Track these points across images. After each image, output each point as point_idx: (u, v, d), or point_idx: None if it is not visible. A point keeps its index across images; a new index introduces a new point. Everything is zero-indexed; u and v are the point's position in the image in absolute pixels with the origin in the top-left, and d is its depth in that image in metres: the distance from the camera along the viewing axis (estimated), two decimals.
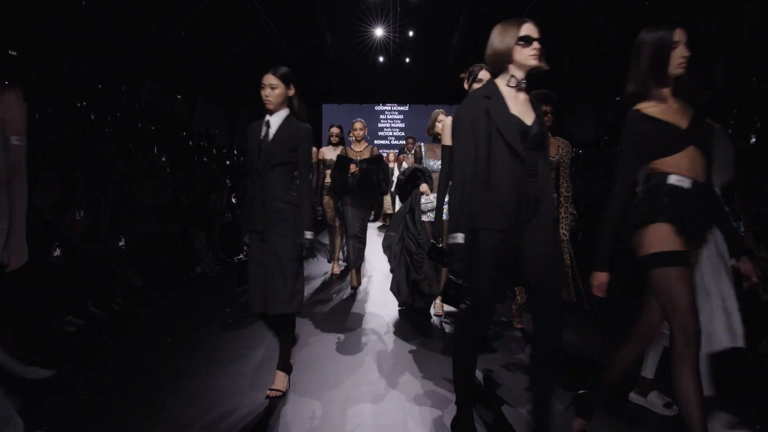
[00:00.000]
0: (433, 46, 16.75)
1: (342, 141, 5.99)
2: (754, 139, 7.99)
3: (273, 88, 2.86)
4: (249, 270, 2.95)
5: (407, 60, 17.84)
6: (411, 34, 16.32)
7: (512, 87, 2.25)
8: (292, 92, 2.92)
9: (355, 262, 5.46)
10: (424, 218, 4.42)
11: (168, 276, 5.77)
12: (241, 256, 6.33)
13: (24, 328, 3.68)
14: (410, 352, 3.75)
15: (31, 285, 3.81)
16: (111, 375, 3.30)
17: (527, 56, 2.20)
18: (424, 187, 4.37)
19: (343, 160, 5.35)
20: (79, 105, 9.67)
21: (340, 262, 6.40)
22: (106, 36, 10.47)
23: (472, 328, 2.38)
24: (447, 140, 3.12)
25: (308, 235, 2.86)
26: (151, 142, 10.20)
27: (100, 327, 4.30)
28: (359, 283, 5.58)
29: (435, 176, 4.31)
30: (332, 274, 6.20)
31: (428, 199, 4.38)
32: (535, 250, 2.21)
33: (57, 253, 4.25)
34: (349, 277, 5.75)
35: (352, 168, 5.21)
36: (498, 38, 2.24)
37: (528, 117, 2.24)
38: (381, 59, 17.50)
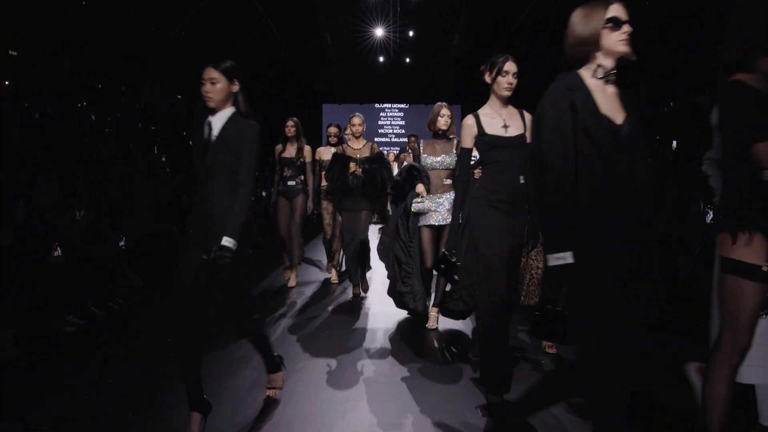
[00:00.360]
0: (434, 46, 16.73)
1: (341, 141, 5.58)
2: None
3: (213, 82, 2.52)
4: (174, 285, 2.57)
5: (407, 60, 17.83)
6: (411, 34, 16.30)
7: (599, 78, 1.93)
8: (236, 88, 2.60)
9: (358, 270, 5.08)
10: (419, 222, 4.10)
11: (168, 276, 5.75)
12: None
13: (24, 328, 3.68)
14: (411, 354, 3.75)
15: (31, 285, 3.81)
16: (111, 375, 3.31)
17: (616, 41, 1.89)
18: (420, 187, 4.07)
19: (341, 159, 4.91)
20: (79, 105, 9.68)
21: (340, 265, 6.18)
22: (106, 36, 10.47)
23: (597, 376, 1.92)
24: (466, 142, 2.84)
25: (225, 242, 2.37)
26: (151, 142, 10.21)
27: (100, 327, 4.30)
28: (363, 290, 5.22)
29: (433, 174, 4.08)
30: (331, 282, 5.96)
31: (420, 200, 4.06)
32: (636, 280, 1.86)
33: (57, 253, 4.25)
34: (347, 283, 5.56)
35: (352, 167, 4.82)
36: (581, 22, 1.93)
37: (618, 115, 1.92)
38: (381, 59, 17.49)
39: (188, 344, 2.51)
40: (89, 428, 2.68)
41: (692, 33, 9.05)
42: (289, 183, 5.53)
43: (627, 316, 1.86)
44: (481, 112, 2.87)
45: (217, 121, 2.55)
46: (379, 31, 15.51)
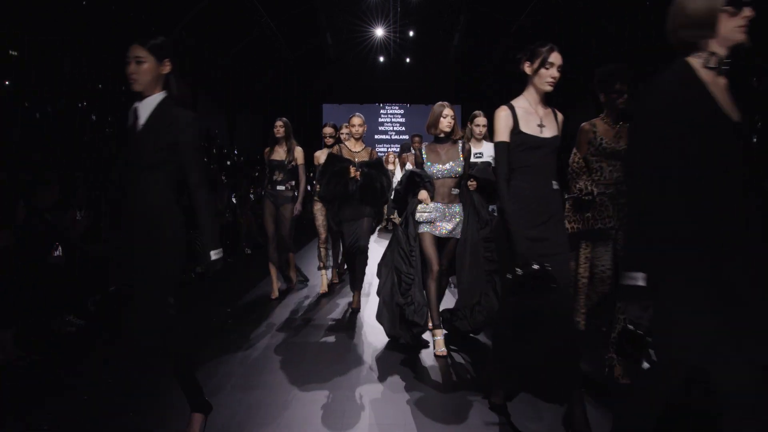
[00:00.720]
0: (434, 46, 16.75)
1: (338, 142, 5.11)
2: (755, 139, 7.98)
3: (139, 62, 2.19)
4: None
5: (407, 60, 17.84)
6: (411, 34, 16.31)
7: (712, 69, 1.66)
8: (167, 69, 2.26)
9: (357, 282, 4.74)
10: (421, 229, 3.66)
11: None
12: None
13: (24, 328, 3.68)
14: (411, 358, 3.75)
15: (31, 285, 3.81)
16: (111, 375, 3.30)
17: (735, 28, 1.64)
18: (423, 194, 3.62)
19: (337, 161, 4.42)
20: (79, 105, 9.68)
21: (340, 268, 5.96)
22: (106, 36, 10.47)
23: (651, 399, 1.72)
24: (503, 135, 2.46)
25: (214, 255, 2.22)
26: None
27: (100, 327, 4.30)
28: (358, 306, 4.81)
29: (439, 183, 3.66)
30: (331, 282, 5.62)
31: (425, 208, 3.62)
32: (749, 301, 1.60)
33: (57, 253, 4.25)
34: (341, 290, 5.39)
35: (352, 171, 4.34)
36: (696, 1, 1.66)
37: (733, 111, 1.67)
38: (381, 59, 17.50)
39: (173, 351, 2.32)
40: (89, 428, 2.67)
41: None
42: (279, 188, 5.08)
43: (732, 346, 1.58)
44: (517, 105, 2.52)
45: (145, 108, 2.24)
46: (379, 31, 15.51)
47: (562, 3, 12.07)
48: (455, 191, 3.69)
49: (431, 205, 3.61)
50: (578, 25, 12.88)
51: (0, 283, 3.60)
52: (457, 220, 3.67)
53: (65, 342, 3.93)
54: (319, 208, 5.36)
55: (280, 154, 5.13)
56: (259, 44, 14.73)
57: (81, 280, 4.43)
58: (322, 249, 5.47)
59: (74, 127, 8.46)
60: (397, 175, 6.60)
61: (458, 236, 3.69)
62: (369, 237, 4.59)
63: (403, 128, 18.20)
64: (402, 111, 18.70)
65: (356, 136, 4.61)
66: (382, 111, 18.63)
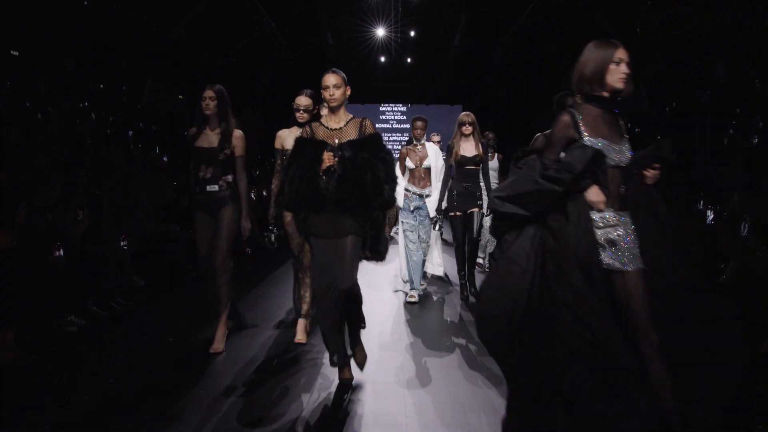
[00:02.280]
0: (435, 46, 16.75)
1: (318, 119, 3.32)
2: (756, 140, 7.97)
3: None
4: None
5: (408, 60, 17.85)
6: (412, 34, 16.32)
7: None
8: None
9: (343, 338, 3.01)
10: (606, 259, 2.08)
11: (169, 276, 5.77)
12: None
13: (24, 328, 3.69)
14: (416, 354, 3.75)
15: (32, 285, 3.81)
16: (111, 375, 3.30)
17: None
18: (597, 193, 2.05)
19: (308, 146, 2.84)
20: (80, 105, 9.69)
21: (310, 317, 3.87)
22: (108, 36, 10.49)
23: None
24: None
25: None
26: (152, 142, 10.24)
27: (100, 327, 4.30)
28: (350, 376, 3.11)
29: (615, 173, 2.12)
30: (296, 342, 3.74)
31: (608, 220, 2.10)
32: None
33: (58, 253, 4.25)
34: (320, 347, 3.49)
35: (327, 159, 2.75)
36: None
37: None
38: (382, 59, 17.50)
39: None
40: (90, 428, 2.67)
41: (692, 32, 9.04)
42: (209, 188, 3.56)
43: None
44: None
45: None
46: (380, 31, 15.52)
47: (562, 3, 12.07)
48: (622, 190, 2.20)
49: (609, 213, 2.11)
50: (578, 26, 12.89)
51: (1, 283, 3.60)
52: (631, 237, 2.14)
53: (65, 342, 3.93)
54: (289, 220, 3.71)
55: (210, 138, 3.58)
56: (260, 44, 14.74)
57: (81, 280, 4.43)
58: (305, 286, 3.78)
59: (75, 127, 8.47)
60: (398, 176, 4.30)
61: (641, 265, 2.13)
62: (356, 269, 2.87)
63: (405, 117, 18.17)
64: (403, 100, 18.76)
65: (333, 104, 2.88)
66: (384, 102, 18.67)
